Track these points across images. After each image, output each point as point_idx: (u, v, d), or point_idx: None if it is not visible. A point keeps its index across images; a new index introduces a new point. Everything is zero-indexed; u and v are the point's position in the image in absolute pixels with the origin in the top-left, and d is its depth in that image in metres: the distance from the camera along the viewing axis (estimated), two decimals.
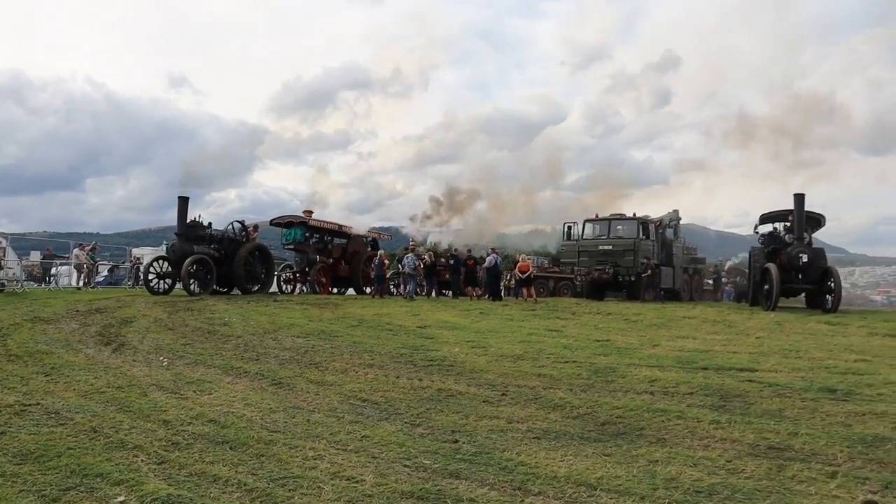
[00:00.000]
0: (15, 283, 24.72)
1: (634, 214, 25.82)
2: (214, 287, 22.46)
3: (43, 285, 26.15)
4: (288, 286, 27.03)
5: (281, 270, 27.51)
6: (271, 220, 28.23)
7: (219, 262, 22.39)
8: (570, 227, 26.36)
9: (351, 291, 28.63)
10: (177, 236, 21.88)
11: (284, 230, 27.40)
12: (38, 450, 5.67)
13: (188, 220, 22.11)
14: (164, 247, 30.28)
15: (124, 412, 7.04)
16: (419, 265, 24.87)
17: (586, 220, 26.44)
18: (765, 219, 22.31)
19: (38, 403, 7.29)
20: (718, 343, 12.31)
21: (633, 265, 24.27)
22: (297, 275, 27.25)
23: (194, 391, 8.18)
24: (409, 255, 24.98)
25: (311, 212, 28.26)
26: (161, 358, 10.38)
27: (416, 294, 24.82)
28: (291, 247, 27.54)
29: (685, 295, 28.15)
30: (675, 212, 28.98)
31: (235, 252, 22.83)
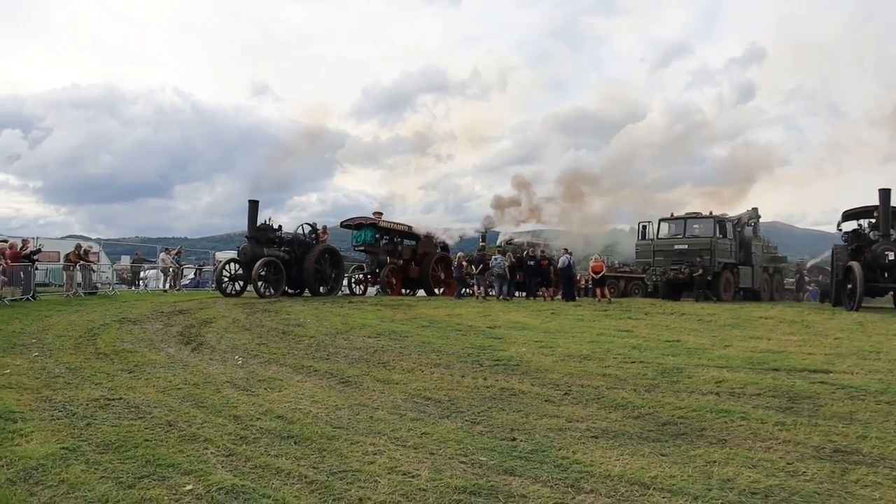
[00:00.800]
0: (107, 285, 25.96)
1: (711, 213, 25.31)
2: (285, 289, 22.75)
3: (132, 288, 27.37)
4: (359, 287, 27.29)
5: (352, 272, 27.77)
6: (342, 222, 28.50)
7: (289, 264, 22.63)
8: (644, 227, 26.03)
9: (421, 293, 28.73)
10: (247, 239, 22.16)
11: (355, 232, 27.62)
12: (118, 440, 6.02)
13: (259, 223, 22.41)
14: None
15: (198, 407, 7.37)
16: (506, 266, 24.64)
17: (661, 220, 26.06)
18: (848, 215, 21.53)
19: (120, 398, 7.71)
20: (793, 344, 11.99)
21: (710, 265, 23.80)
22: (368, 276, 27.41)
23: (265, 388, 8.48)
24: (498, 255, 24.91)
25: (381, 213, 28.38)
26: (236, 357, 10.78)
27: (509, 295, 24.70)
28: (362, 248, 27.68)
29: (765, 295, 27.42)
30: (755, 209, 28.29)
31: (305, 254, 23.03)
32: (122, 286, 28.06)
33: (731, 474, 5.24)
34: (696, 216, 25.59)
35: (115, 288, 26.51)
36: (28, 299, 18.86)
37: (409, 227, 28.53)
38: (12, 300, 18.03)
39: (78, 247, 23.85)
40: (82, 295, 21.60)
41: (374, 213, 28.23)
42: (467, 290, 26.48)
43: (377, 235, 27.27)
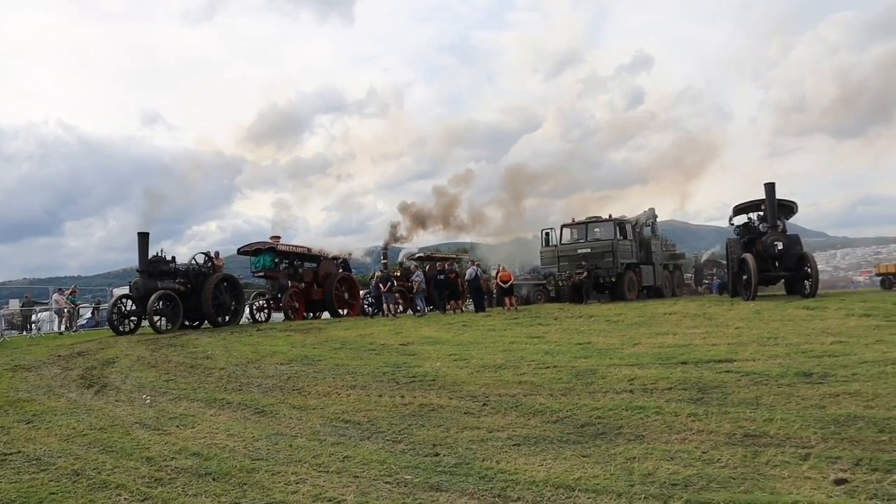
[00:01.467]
0: None
1: (610, 216, 26.07)
2: (184, 322, 22.05)
3: (24, 332, 25.97)
4: (262, 314, 26.57)
5: (253, 299, 27.12)
6: (239, 249, 27.78)
7: (185, 296, 21.94)
8: (547, 234, 26.58)
9: (326, 315, 28.22)
10: (139, 273, 21.40)
11: (253, 258, 26.97)
12: (18, 498, 5.67)
13: (150, 256, 21.67)
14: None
15: (106, 453, 7.03)
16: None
17: (563, 225, 26.70)
18: (738, 210, 22.58)
19: (18, 451, 7.26)
20: (698, 337, 12.45)
21: (612, 266, 24.48)
22: (270, 302, 26.75)
23: (177, 426, 8.18)
24: (418, 271, 25.10)
25: (278, 237, 27.86)
26: (144, 396, 10.36)
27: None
28: (262, 274, 27.03)
29: (667, 291, 28.40)
30: (652, 210, 29.33)
31: (202, 285, 22.33)
32: (13, 332, 26.58)
33: (651, 468, 5.36)
34: (596, 220, 26.29)
35: (5, 334, 25.12)
36: None
37: (308, 249, 28.09)
38: None
39: None
40: None
41: (272, 238, 27.67)
42: (375, 309, 26.30)
43: (276, 260, 26.74)
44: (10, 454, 7.16)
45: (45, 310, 28.73)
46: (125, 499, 5.49)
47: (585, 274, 23.94)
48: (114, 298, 23.39)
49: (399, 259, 32.37)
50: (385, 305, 24.92)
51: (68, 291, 28.45)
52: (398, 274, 29.29)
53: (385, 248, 32.49)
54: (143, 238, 21.57)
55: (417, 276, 24.49)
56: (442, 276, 25.34)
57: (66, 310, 26.56)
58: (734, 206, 22.70)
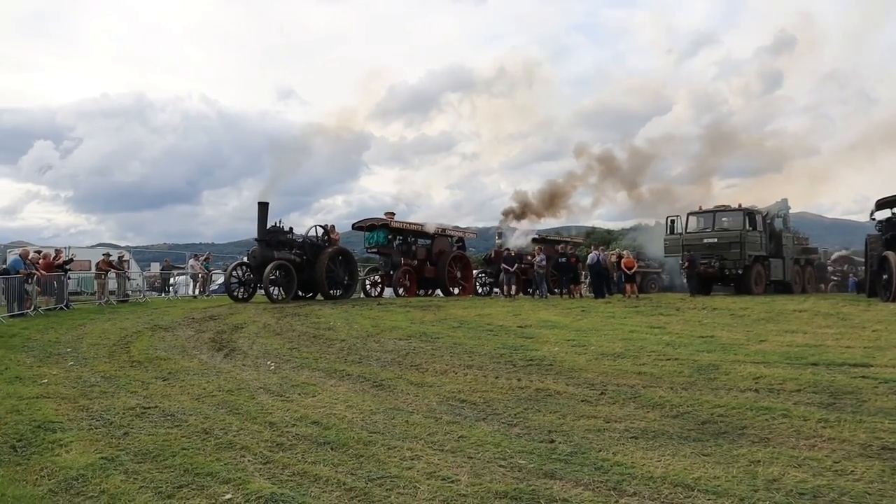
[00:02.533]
0: (138, 293, 26.25)
1: (740, 205, 24.99)
2: (298, 293, 22.33)
3: (162, 294, 27.60)
4: (375, 290, 26.61)
5: (367, 274, 27.20)
6: (353, 224, 27.82)
7: (300, 267, 22.11)
8: (672, 221, 25.75)
9: (438, 293, 27.95)
10: (257, 242, 21.61)
11: (367, 233, 27.06)
12: (155, 449, 6.03)
13: (269, 226, 21.84)
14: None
15: (233, 414, 7.38)
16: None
17: (689, 214, 25.78)
18: (881, 204, 21.07)
19: (156, 406, 7.74)
20: (831, 337, 11.76)
21: (739, 258, 23.50)
22: (383, 278, 26.66)
23: (299, 394, 8.47)
24: (541, 254, 24.89)
25: (393, 213, 27.63)
26: (269, 362, 10.80)
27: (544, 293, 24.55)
28: (375, 250, 27.11)
29: (797, 287, 27.04)
30: (784, 201, 27.92)
31: (318, 257, 22.46)
32: (153, 293, 28.35)
33: (776, 474, 5.11)
34: (724, 209, 25.28)
35: (146, 295, 26.79)
36: (62, 308, 19.10)
37: (422, 227, 27.84)
38: (46, 309, 18.25)
39: (107, 255, 24.11)
40: (114, 303, 21.84)
41: (386, 214, 27.53)
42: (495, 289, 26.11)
43: (390, 236, 26.74)
44: (149, 408, 7.63)
45: (182, 274, 30.41)
46: (249, 460, 5.73)
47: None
48: (231, 266, 24.15)
49: (515, 240, 31.98)
50: (507, 286, 24.85)
51: (203, 258, 29.95)
52: (512, 255, 29.02)
53: (500, 230, 32.24)
54: (263, 207, 21.74)
55: (541, 260, 24.24)
56: (563, 260, 25.07)
57: (200, 275, 27.97)
58: (877, 199, 21.25)
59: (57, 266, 20.36)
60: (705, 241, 24.46)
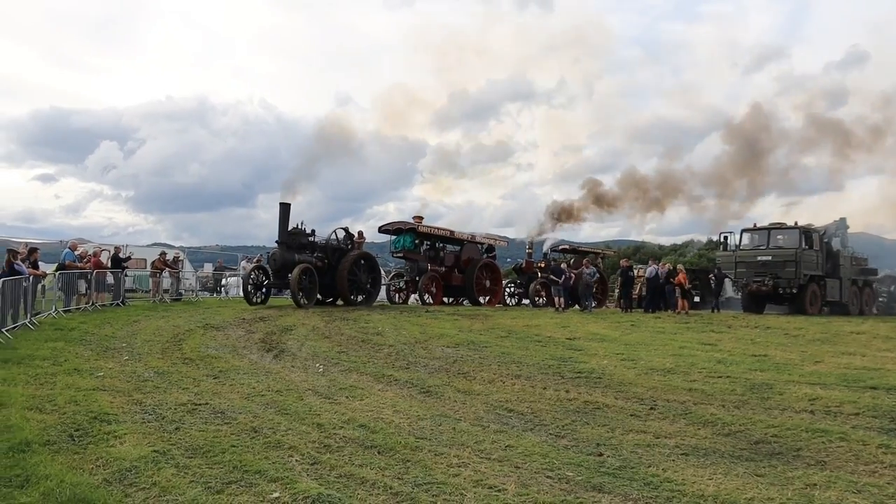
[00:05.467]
0: (191, 292, 26.72)
1: (796, 223, 24.45)
2: (318, 297, 21.22)
3: (214, 295, 28.05)
4: (399, 296, 25.38)
5: (391, 280, 26.13)
6: (380, 227, 26.40)
7: (322, 271, 21.05)
8: (726, 237, 25.31)
9: (466, 303, 26.76)
10: (278, 244, 20.66)
11: (393, 237, 25.86)
12: (206, 445, 6.11)
13: (290, 228, 20.84)
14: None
15: (282, 414, 7.44)
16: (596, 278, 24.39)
17: (744, 230, 25.30)
18: None
19: (207, 403, 7.85)
20: (891, 361, 11.40)
21: (794, 276, 22.96)
22: (408, 284, 25.44)
23: (347, 397, 8.52)
24: (591, 266, 24.78)
25: (421, 217, 26.19)
26: (317, 364, 10.88)
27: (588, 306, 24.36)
28: (401, 255, 25.70)
29: (854, 308, 26.31)
30: (843, 220, 27.22)
31: (340, 261, 21.50)
32: (205, 293, 28.83)
33: (834, 499, 4.96)
34: (780, 227, 24.76)
35: (199, 295, 27.25)
36: (118, 304, 19.56)
37: (451, 232, 26.52)
38: (103, 305, 18.70)
39: (162, 254, 24.62)
40: (168, 301, 22.27)
41: (414, 218, 26.17)
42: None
43: (416, 241, 25.47)
44: (200, 405, 7.74)
45: (234, 275, 30.83)
46: (296, 460, 5.77)
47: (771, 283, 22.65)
48: (249, 269, 23.43)
49: (544, 251, 31.40)
50: (556, 299, 24.60)
51: (255, 260, 30.32)
52: (543, 265, 28.45)
53: (530, 242, 31.30)
54: (285, 208, 20.76)
55: (590, 272, 24.05)
56: (631, 273, 24.97)
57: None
58: None
59: (113, 263, 20.86)
60: (759, 258, 23.96)
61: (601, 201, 33.33)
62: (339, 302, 22.19)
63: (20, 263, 14.46)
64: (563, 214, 33.00)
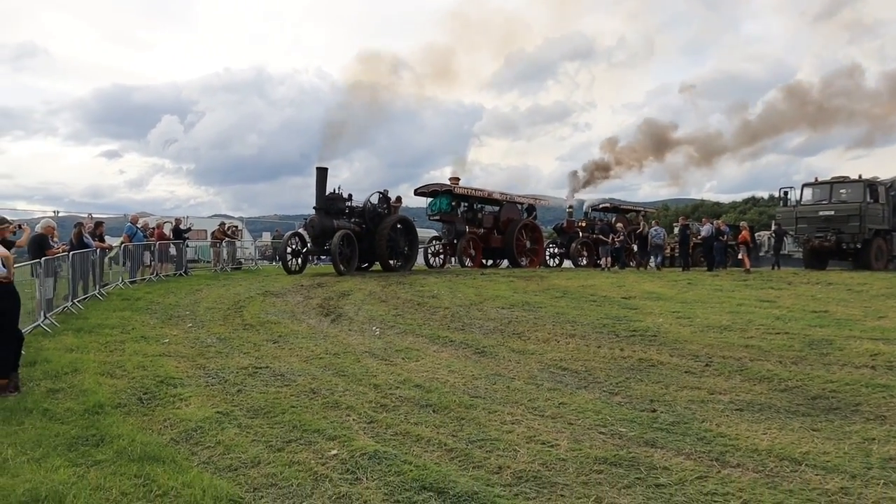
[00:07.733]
0: (250, 261, 27.30)
1: (860, 176, 23.68)
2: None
3: (273, 263, 28.56)
4: (436, 260, 25.07)
5: (428, 243, 25.78)
6: (415, 190, 26.00)
7: (360, 236, 20.81)
8: (786, 193, 24.67)
9: (505, 264, 26.59)
10: (315, 210, 20.31)
11: (430, 200, 25.39)
12: (266, 406, 6.32)
13: (328, 193, 20.61)
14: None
15: (339, 376, 7.63)
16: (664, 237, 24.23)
17: (804, 185, 24.62)
18: None
19: (267, 367, 8.09)
20: None
21: (858, 231, 22.31)
22: (446, 247, 25.13)
23: (403, 358, 8.67)
24: (658, 227, 24.49)
25: (458, 179, 25.74)
26: (374, 327, 11.07)
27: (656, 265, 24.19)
28: (437, 217, 25.35)
29: None
30: None
31: (377, 226, 21.20)
32: (264, 261, 29.41)
33: (893, 453, 4.89)
34: (843, 180, 24.02)
35: (258, 263, 27.81)
36: (181, 275, 20.14)
37: (490, 193, 26.18)
38: (166, 275, 19.27)
39: (222, 224, 25.21)
40: (228, 270, 22.84)
41: (451, 179, 25.72)
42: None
43: (454, 203, 25.12)
44: (261, 368, 7.98)
45: None
46: (354, 419, 5.93)
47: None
48: (286, 236, 23.07)
49: (584, 209, 30.76)
50: (604, 259, 24.45)
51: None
52: (584, 224, 27.99)
53: (570, 205, 30.69)
54: (322, 173, 20.40)
55: (656, 232, 23.77)
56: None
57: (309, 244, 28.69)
58: None
59: (173, 235, 21.42)
60: (821, 213, 23.34)
61: (660, 146, 32.73)
62: (377, 266, 21.99)
63: (88, 237, 15.00)
64: (599, 171, 32.52)
